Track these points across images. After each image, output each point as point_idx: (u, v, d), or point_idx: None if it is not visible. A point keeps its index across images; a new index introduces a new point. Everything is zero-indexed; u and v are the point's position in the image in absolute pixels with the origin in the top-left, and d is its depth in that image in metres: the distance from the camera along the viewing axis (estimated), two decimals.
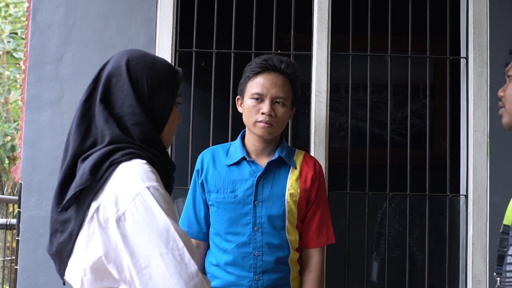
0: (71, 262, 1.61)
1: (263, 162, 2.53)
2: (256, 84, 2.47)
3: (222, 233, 2.50)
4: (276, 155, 2.52)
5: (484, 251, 3.08)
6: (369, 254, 3.79)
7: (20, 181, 3.07)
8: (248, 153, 2.54)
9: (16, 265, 3.06)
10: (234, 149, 2.57)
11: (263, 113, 2.44)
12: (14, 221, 3.73)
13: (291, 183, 2.51)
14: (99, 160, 1.57)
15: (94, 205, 1.56)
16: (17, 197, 3.13)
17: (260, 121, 2.45)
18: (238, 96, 2.59)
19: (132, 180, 1.54)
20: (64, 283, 1.72)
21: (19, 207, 3.05)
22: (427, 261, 3.17)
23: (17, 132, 9.54)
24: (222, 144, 2.67)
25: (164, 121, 1.70)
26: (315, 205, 2.56)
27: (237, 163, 2.53)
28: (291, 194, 2.50)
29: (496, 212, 3.07)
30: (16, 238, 3.07)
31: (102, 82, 1.67)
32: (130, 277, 1.52)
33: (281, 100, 2.47)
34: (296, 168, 2.54)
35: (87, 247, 1.56)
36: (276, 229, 2.48)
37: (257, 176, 2.49)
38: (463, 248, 3.17)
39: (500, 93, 1.96)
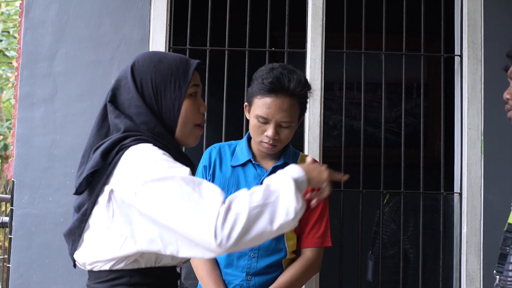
0: (88, 243, 1.69)
1: (268, 165, 2.50)
2: (262, 106, 2.38)
3: None
4: (281, 161, 2.49)
5: (478, 249, 3.08)
6: (364, 253, 3.78)
7: (12, 179, 3.05)
8: (253, 155, 2.51)
9: (9, 264, 3.04)
10: (240, 150, 2.54)
11: (267, 136, 2.39)
12: (6, 219, 3.71)
13: None
14: (110, 145, 1.65)
15: (107, 188, 1.63)
16: (10, 195, 3.12)
17: (265, 142, 2.41)
18: (246, 103, 2.51)
19: (140, 159, 1.60)
20: (74, 266, 1.78)
21: (12, 205, 3.04)
22: (421, 259, 3.17)
23: (9, 131, 9.50)
24: (228, 142, 2.63)
25: (175, 115, 1.74)
26: (313, 208, 2.53)
27: (243, 165, 2.51)
28: None
29: (490, 210, 3.07)
30: (9, 236, 3.06)
31: (112, 86, 1.76)
32: (160, 237, 1.58)
33: (287, 124, 2.40)
34: None
35: (110, 228, 1.63)
36: None
37: (261, 180, 2.44)
38: (457, 246, 3.18)
39: (507, 96, 1.91)
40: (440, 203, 3.20)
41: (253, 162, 2.50)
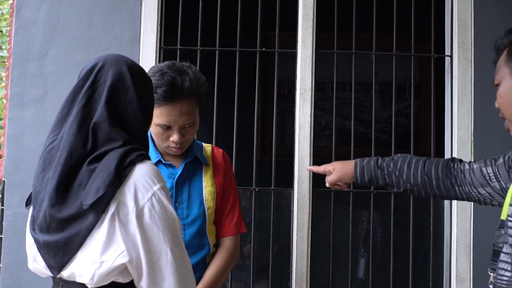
0: (83, 255, 1.66)
1: (178, 162, 2.45)
2: (161, 115, 2.29)
3: None
4: (191, 156, 2.45)
5: (468, 249, 3.09)
6: (354, 251, 3.79)
7: (3, 179, 3.05)
8: (161, 155, 2.44)
9: None
10: None
11: (173, 141, 2.33)
12: None
13: (207, 181, 2.46)
14: (120, 161, 1.66)
15: (113, 203, 1.65)
16: (0, 195, 3.11)
17: (172, 146, 2.36)
18: None
19: (148, 180, 1.68)
20: (54, 276, 1.73)
21: (2, 205, 3.04)
22: (412, 258, 3.18)
23: (1, 130, 9.47)
24: None
25: (150, 121, 1.87)
26: (225, 196, 2.52)
27: None
28: (208, 192, 2.45)
29: (480, 210, 3.08)
30: None
31: (107, 86, 1.74)
32: (138, 268, 1.65)
33: (190, 124, 2.35)
34: (208, 165, 2.49)
35: (108, 243, 1.64)
36: (198, 230, 2.43)
37: (175, 178, 2.41)
38: (447, 246, 3.19)
39: (496, 105, 1.92)
40: (430, 203, 3.21)
41: (163, 162, 2.43)
